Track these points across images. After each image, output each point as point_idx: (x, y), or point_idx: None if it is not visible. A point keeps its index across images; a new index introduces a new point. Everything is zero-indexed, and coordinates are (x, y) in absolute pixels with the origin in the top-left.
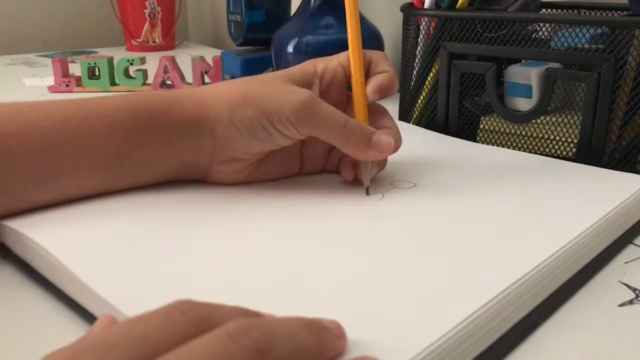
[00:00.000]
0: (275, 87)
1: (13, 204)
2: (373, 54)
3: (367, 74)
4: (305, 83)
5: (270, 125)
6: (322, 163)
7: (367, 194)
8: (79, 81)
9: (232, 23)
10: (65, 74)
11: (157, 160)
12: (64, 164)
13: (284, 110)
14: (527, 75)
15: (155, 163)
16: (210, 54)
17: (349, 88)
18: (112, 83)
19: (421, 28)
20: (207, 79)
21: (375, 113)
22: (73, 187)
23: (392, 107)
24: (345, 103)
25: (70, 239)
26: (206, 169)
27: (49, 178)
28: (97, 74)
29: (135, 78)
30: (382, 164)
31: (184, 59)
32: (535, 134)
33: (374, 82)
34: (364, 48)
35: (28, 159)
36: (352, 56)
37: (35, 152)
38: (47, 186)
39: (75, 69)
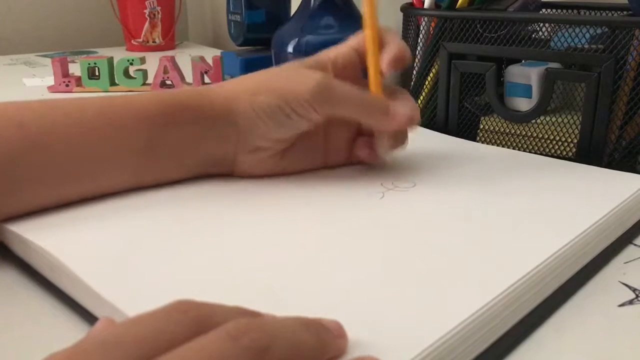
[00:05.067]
0: (291, 73)
1: (51, 198)
2: (382, 30)
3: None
4: (319, 69)
5: (290, 108)
6: (345, 153)
7: (385, 163)
8: (78, 81)
9: (232, 23)
10: (65, 74)
11: (186, 151)
12: (98, 153)
13: (301, 92)
14: (527, 75)
15: (184, 154)
16: (210, 54)
17: (364, 73)
18: (112, 83)
19: (421, 28)
20: (207, 79)
21: (391, 91)
22: (106, 178)
23: None
24: (360, 87)
25: (70, 239)
26: (232, 160)
27: (84, 169)
28: (97, 74)
29: (135, 78)
30: (403, 139)
31: (184, 59)
32: (535, 134)
33: (386, 55)
34: None
35: (63, 150)
36: (367, 36)
37: (70, 144)
38: (82, 177)
39: (75, 69)
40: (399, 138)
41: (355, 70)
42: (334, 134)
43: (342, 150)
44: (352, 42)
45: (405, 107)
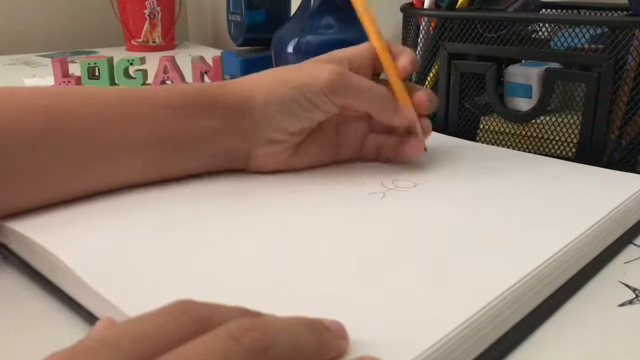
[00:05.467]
0: (307, 67)
1: (73, 184)
2: (387, 43)
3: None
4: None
5: (305, 99)
6: (357, 148)
7: (425, 149)
8: (78, 81)
9: (232, 23)
10: (65, 74)
11: (199, 142)
12: (119, 140)
13: (316, 82)
14: (527, 75)
15: (197, 146)
16: (210, 54)
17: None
18: (112, 83)
19: (421, 28)
20: (207, 79)
21: (410, 88)
22: (126, 165)
23: None
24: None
25: (71, 239)
26: (246, 154)
27: (104, 154)
28: (97, 74)
29: (135, 78)
30: (429, 128)
31: (184, 59)
32: (535, 134)
33: (403, 58)
34: None
35: (84, 137)
36: (375, 42)
37: (93, 128)
38: (102, 163)
39: (75, 69)
40: (427, 130)
41: (368, 73)
42: (346, 131)
43: (353, 146)
44: (364, 46)
45: (424, 90)
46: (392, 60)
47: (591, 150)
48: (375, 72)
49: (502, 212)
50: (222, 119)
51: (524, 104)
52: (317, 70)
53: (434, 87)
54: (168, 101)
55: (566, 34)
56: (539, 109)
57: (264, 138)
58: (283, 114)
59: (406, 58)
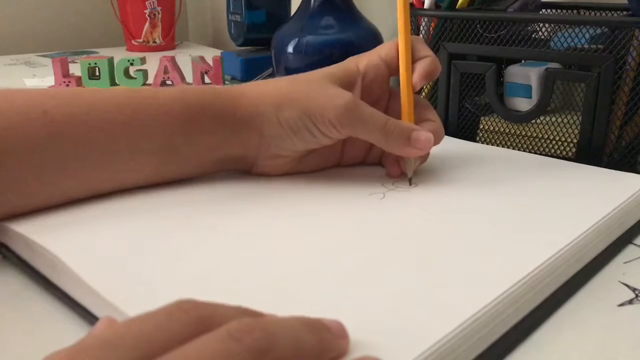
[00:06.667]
0: (319, 89)
1: (74, 188)
2: (412, 40)
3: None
4: (347, 82)
5: (314, 126)
6: (362, 157)
7: (410, 184)
8: (79, 81)
9: (232, 23)
10: (66, 74)
11: (208, 151)
12: (120, 146)
13: (326, 113)
14: (527, 75)
15: (206, 153)
16: (210, 54)
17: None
18: (113, 83)
19: (421, 28)
20: (207, 79)
21: (419, 107)
22: (127, 171)
23: None
24: (386, 98)
25: (72, 239)
26: (252, 162)
27: (105, 159)
28: (97, 74)
29: (135, 78)
30: (424, 156)
31: (184, 59)
32: (535, 134)
33: (419, 69)
34: (362, 49)
35: (86, 142)
36: (401, 57)
37: (93, 133)
38: (103, 168)
39: (76, 69)
40: (423, 157)
41: (383, 83)
42: (353, 142)
43: (359, 155)
44: (383, 52)
45: (427, 131)
46: (410, 83)
47: (591, 150)
48: (394, 75)
49: (501, 212)
50: (229, 131)
51: (523, 104)
52: (330, 98)
53: (434, 87)
54: (174, 114)
55: (566, 34)
56: (539, 109)
57: (270, 152)
58: (293, 139)
59: (421, 69)
